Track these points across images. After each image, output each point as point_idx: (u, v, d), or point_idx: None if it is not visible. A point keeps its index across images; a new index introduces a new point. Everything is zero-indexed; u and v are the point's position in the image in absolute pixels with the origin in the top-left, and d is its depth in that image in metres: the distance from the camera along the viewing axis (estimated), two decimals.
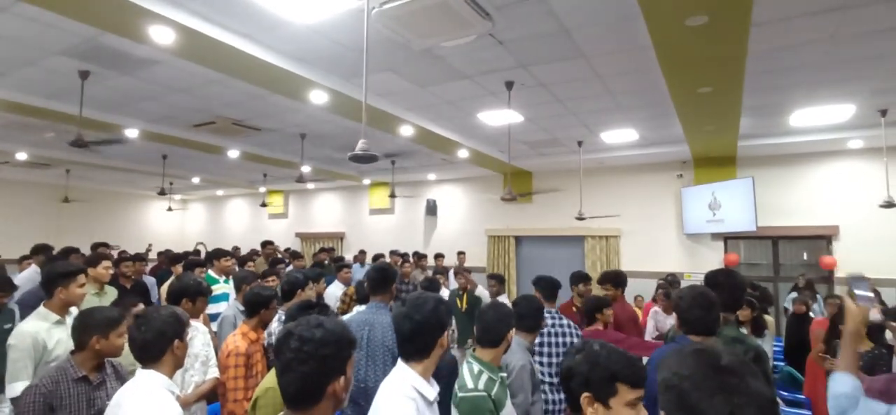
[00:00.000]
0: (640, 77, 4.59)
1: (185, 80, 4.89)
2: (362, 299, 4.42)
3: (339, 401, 1.28)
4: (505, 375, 2.33)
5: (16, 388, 2.43)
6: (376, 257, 8.15)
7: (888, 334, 4.04)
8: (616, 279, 4.45)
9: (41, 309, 2.75)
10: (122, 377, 2.32)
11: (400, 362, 1.73)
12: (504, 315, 2.27)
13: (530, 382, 2.57)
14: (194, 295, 3.01)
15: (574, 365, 1.36)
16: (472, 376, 2.11)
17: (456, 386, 2.16)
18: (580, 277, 4.67)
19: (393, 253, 8.18)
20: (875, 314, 4.70)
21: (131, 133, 6.52)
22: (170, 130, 6.71)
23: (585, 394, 1.31)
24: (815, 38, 3.74)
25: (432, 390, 1.68)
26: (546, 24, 3.57)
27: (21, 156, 8.45)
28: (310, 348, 1.20)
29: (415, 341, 1.70)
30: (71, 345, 2.20)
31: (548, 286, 3.70)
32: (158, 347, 1.85)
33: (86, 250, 5.72)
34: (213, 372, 2.97)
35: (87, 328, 2.15)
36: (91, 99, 5.27)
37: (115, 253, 5.73)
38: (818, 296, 6.52)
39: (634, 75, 4.57)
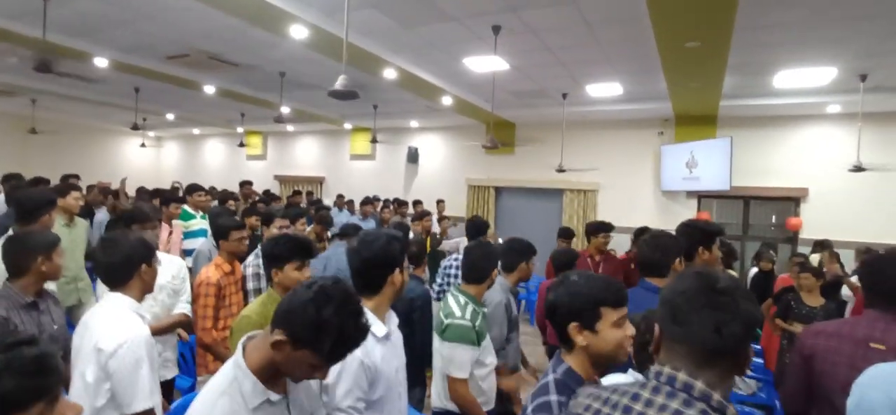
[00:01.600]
0: (629, 27, 4.53)
1: (157, 5, 4.64)
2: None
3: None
4: (487, 310, 2.43)
5: None
6: (365, 202, 8.07)
7: (844, 290, 4.27)
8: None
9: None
10: (58, 303, 2.30)
11: None
12: (489, 254, 2.37)
13: (506, 319, 2.67)
14: (141, 220, 2.96)
15: (556, 299, 1.37)
16: (458, 305, 2.23)
17: (441, 314, 2.26)
18: (599, 227, 4.69)
19: (365, 201, 8.10)
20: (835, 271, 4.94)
21: (101, 63, 6.22)
22: (142, 61, 6.42)
23: (573, 324, 1.34)
24: None
25: (382, 327, 1.67)
26: None
27: None
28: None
29: (363, 275, 1.69)
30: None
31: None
32: (125, 271, 1.83)
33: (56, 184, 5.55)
34: (182, 307, 2.94)
35: (30, 251, 2.06)
36: (56, 22, 4.97)
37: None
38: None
39: (623, 25, 4.51)
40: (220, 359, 2.59)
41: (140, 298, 1.88)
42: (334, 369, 1.51)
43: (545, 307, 1.43)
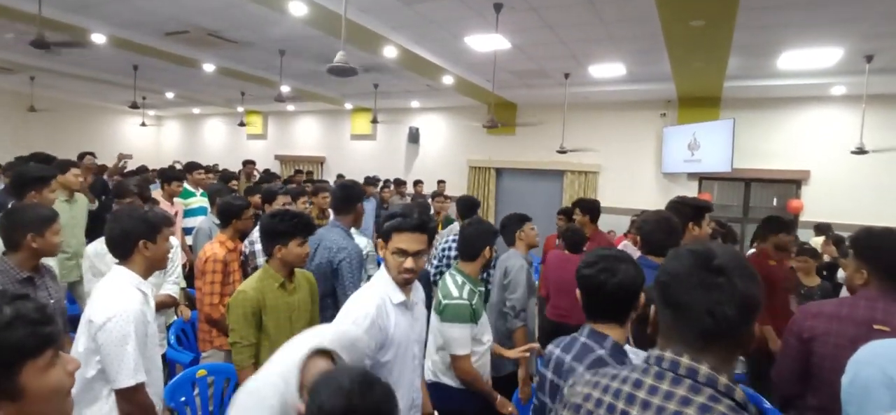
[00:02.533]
0: (633, 5, 4.47)
1: None
2: None
3: None
4: (482, 289, 2.46)
5: None
6: (366, 182, 8.02)
7: (841, 272, 4.28)
8: (586, 207, 4.55)
9: None
10: (55, 278, 2.31)
11: (382, 266, 1.81)
12: (483, 232, 2.40)
13: (527, 282, 2.83)
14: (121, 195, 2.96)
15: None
16: (455, 285, 2.28)
17: (440, 294, 2.32)
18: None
19: (366, 182, 8.06)
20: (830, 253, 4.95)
21: (98, 38, 6.15)
22: (140, 37, 6.35)
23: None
24: None
25: (399, 294, 1.74)
26: None
27: None
28: None
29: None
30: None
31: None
32: (124, 245, 1.85)
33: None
34: (168, 287, 2.94)
35: (20, 226, 2.06)
36: None
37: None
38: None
39: (627, 3, 4.44)
40: (226, 334, 2.60)
41: (145, 274, 1.88)
42: (348, 319, 1.62)
43: (596, 282, 1.43)
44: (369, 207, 6.33)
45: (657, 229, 2.23)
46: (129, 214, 1.89)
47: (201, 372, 2.55)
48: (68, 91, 11.68)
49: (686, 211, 2.42)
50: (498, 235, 2.79)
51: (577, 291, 1.51)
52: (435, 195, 7.00)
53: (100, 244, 2.76)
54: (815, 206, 7.24)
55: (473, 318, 2.23)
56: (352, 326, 1.58)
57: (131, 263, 1.85)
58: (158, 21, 5.79)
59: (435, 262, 3.86)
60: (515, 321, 2.87)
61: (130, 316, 1.70)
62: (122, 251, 1.85)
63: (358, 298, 1.74)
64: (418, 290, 1.86)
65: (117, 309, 1.69)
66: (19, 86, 10.82)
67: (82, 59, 7.73)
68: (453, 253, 3.92)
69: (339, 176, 8.92)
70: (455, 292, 2.25)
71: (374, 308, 1.63)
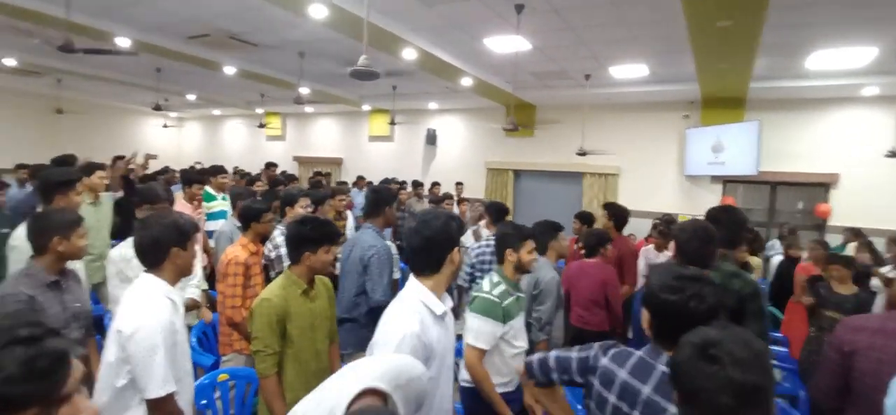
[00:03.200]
0: (658, 6, 4.37)
1: None
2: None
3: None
4: (523, 295, 2.52)
5: None
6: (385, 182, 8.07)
7: (874, 281, 4.13)
8: (614, 211, 4.46)
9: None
10: (80, 282, 2.31)
11: (411, 276, 1.74)
12: (503, 236, 2.49)
13: (558, 294, 2.84)
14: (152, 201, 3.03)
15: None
16: (490, 283, 2.35)
17: (474, 290, 2.39)
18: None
19: (384, 183, 8.08)
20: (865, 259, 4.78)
21: (123, 42, 6.26)
22: (163, 40, 6.44)
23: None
24: None
25: (441, 305, 1.69)
26: None
27: (10, 62, 8.17)
28: None
29: (424, 255, 1.70)
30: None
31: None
32: (154, 253, 1.82)
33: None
34: (190, 291, 2.97)
35: (47, 230, 2.06)
36: (79, 2, 4.99)
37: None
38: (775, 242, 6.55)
39: (652, 4, 4.35)
40: (246, 338, 2.61)
41: (173, 281, 1.87)
42: (391, 343, 1.53)
43: (686, 311, 1.34)
44: None
45: (694, 238, 2.16)
46: (159, 221, 1.86)
47: (223, 376, 2.55)
48: (94, 93, 11.93)
49: (735, 228, 2.34)
50: (531, 236, 2.79)
51: (644, 313, 1.44)
52: (460, 200, 7.01)
53: (126, 249, 2.73)
54: (844, 210, 7.02)
55: (502, 317, 2.25)
56: (410, 360, 1.45)
57: (161, 270, 1.83)
58: (181, 24, 5.87)
59: (468, 268, 3.89)
60: (539, 334, 2.84)
61: (159, 326, 1.69)
62: (154, 259, 1.83)
63: (398, 314, 1.64)
64: (448, 298, 1.82)
65: (146, 319, 1.68)
66: (47, 88, 11.09)
67: (108, 61, 7.87)
68: (487, 258, 3.91)
69: (360, 178, 8.93)
70: (487, 288, 2.32)
71: (418, 325, 1.56)
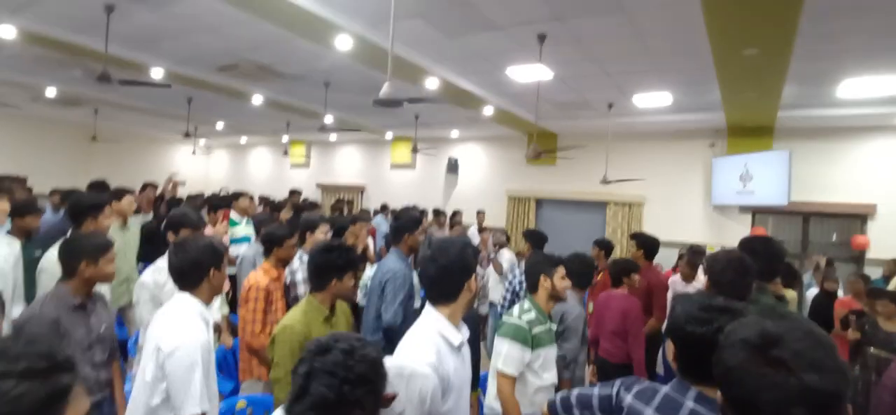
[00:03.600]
0: (682, 35, 4.35)
1: (210, 19, 4.80)
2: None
3: None
4: (555, 326, 2.51)
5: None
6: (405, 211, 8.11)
7: None
8: (642, 241, 4.39)
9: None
10: (106, 305, 2.35)
11: (427, 305, 1.70)
12: (535, 263, 2.52)
13: (584, 331, 2.84)
14: (189, 226, 3.08)
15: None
16: (521, 310, 2.37)
17: (503, 316, 2.41)
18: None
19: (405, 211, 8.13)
20: None
21: (157, 73, 6.50)
22: (195, 71, 6.67)
23: None
24: (875, 2, 3.45)
25: (458, 335, 1.65)
26: None
27: (50, 93, 8.56)
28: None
29: (440, 284, 1.67)
30: None
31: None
32: (194, 275, 1.89)
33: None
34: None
35: (75, 254, 2.11)
36: (117, 36, 5.21)
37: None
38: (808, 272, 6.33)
39: (676, 33, 4.33)
40: (266, 364, 2.59)
41: (208, 301, 1.94)
42: (405, 374, 1.47)
43: (713, 343, 1.29)
44: None
45: (729, 268, 2.08)
46: (197, 244, 1.94)
47: (241, 403, 2.52)
48: (127, 122, 12.39)
49: (776, 261, 2.27)
50: (584, 274, 2.82)
51: (669, 345, 1.37)
52: (482, 228, 6.99)
53: (159, 275, 2.72)
54: (883, 242, 6.73)
55: (530, 343, 2.23)
56: (417, 363, 1.47)
57: (198, 291, 1.90)
58: (212, 56, 6.07)
59: (509, 295, 3.94)
60: (564, 372, 2.76)
61: (198, 344, 1.75)
62: (192, 280, 1.89)
63: (414, 344, 1.61)
64: (465, 328, 1.78)
65: (185, 337, 1.74)
66: (84, 118, 11.57)
67: (143, 92, 8.18)
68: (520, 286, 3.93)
69: (384, 206, 9.01)
70: (516, 313, 2.34)
71: (434, 356, 1.52)
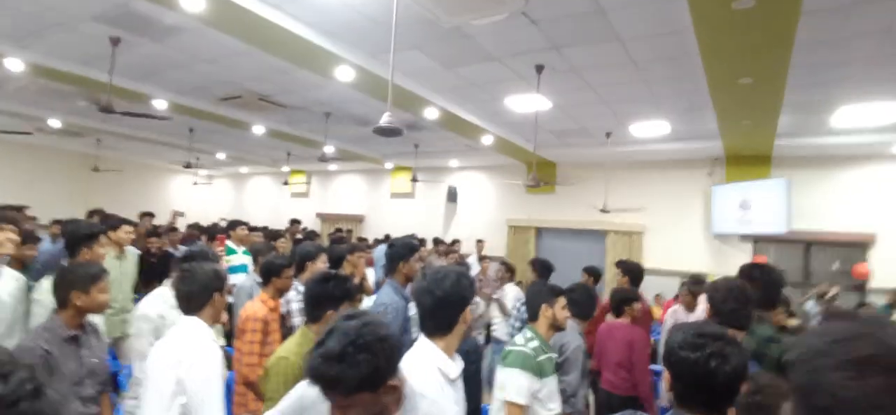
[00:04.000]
0: (678, 64, 4.41)
1: (213, 50, 4.89)
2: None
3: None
4: (555, 355, 2.49)
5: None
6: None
7: None
8: (627, 268, 4.41)
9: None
10: (100, 336, 2.33)
11: (422, 337, 1.67)
12: (537, 292, 2.50)
13: (584, 363, 2.78)
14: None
15: (742, 364, 1.28)
16: (524, 338, 2.35)
17: (506, 345, 2.41)
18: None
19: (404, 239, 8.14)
20: None
21: (159, 104, 6.58)
22: (197, 102, 6.75)
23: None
24: (870, 30, 3.52)
25: (454, 368, 1.62)
26: (582, 4, 3.43)
27: (54, 123, 8.65)
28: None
29: (435, 315, 1.64)
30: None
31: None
32: (202, 298, 2.00)
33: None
34: None
35: (67, 284, 2.11)
36: (121, 66, 5.29)
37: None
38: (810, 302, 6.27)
39: (671, 62, 4.39)
40: (261, 398, 2.54)
41: (211, 324, 2.04)
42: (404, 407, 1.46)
43: (705, 370, 1.25)
44: None
45: (730, 297, 2.06)
46: (204, 270, 2.04)
47: None
48: (129, 152, 12.49)
49: (773, 287, 2.25)
50: (587, 303, 2.79)
51: (666, 375, 1.36)
52: (481, 257, 6.96)
53: (161, 306, 2.68)
54: (885, 270, 6.69)
55: (538, 371, 2.21)
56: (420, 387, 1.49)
57: (203, 314, 2.00)
58: (215, 87, 6.16)
59: (517, 324, 3.91)
60: (564, 406, 2.69)
61: (217, 359, 1.86)
62: (198, 304, 2.00)
63: (411, 376, 1.55)
64: (460, 360, 1.74)
65: (204, 352, 1.84)
66: (86, 147, 11.66)
67: (146, 122, 8.26)
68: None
69: (387, 237, 9.01)
70: (521, 342, 2.32)
71: (430, 389, 1.49)
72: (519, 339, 2.36)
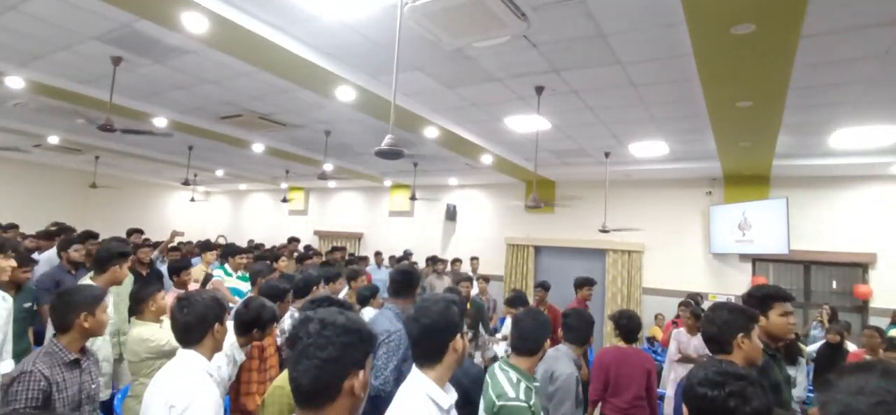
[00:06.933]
0: (677, 87, 4.44)
1: (215, 71, 4.90)
2: (361, 301, 4.45)
3: (357, 402, 1.18)
4: (538, 382, 2.31)
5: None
6: (401, 258, 8.07)
7: None
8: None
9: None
10: (98, 361, 2.30)
11: (414, 367, 1.63)
12: (541, 323, 2.24)
13: (577, 392, 2.58)
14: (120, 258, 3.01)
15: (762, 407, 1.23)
16: (511, 384, 2.10)
17: (493, 393, 2.11)
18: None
19: (401, 258, 8.10)
20: None
21: (159, 122, 6.58)
22: (198, 121, 6.76)
23: None
24: (868, 54, 3.55)
25: (447, 398, 1.58)
26: (583, 28, 3.46)
27: (53, 140, 8.63)
28: (330, 332, 1.13)
29: (423, 345, 1.60)
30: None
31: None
32: (200, 330, 1.89)
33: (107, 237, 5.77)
34: None
35: (74, 306, 2.07)
36: (122, 86, 5.31)
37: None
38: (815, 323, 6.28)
39: (670, 85, 4.42)
40: None
41: (210, 357, 1.92)
42: None
43: (724, 409, 1.22)
44: None
45: (707, 323, 2.06)
46: (202, 299, 1.94)
47: None
48: (127, 169, 12.47)
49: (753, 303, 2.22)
50: (583, 328, 2.67)
51: (685, 410, 1.33)
52: (479, 277, 6.91)
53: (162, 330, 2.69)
54: (886, 291, 6.67)
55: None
56: None
57: (202, 346, 1.89)
58: (215, 106, 6.17)
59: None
60: None
61: (211, 403, 1.74)
62: (198, 336, 1.89)
63: (404, 409, 1.55)
64: (452, 391, 1.70)
65: (200, 394, 1.73)
66: (84, 164, 11.64)
67: (145, 140, 8.27)
68: None
69: (378, 253, 8.96)
70: (511, 392, 2.06)
71: None
72: (507, 387, 2.08)
